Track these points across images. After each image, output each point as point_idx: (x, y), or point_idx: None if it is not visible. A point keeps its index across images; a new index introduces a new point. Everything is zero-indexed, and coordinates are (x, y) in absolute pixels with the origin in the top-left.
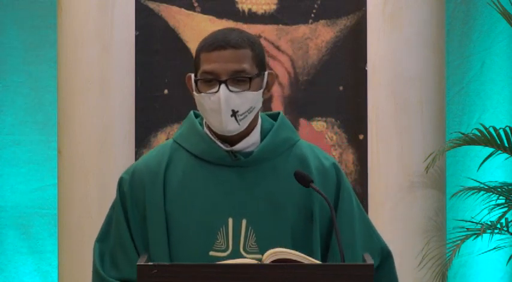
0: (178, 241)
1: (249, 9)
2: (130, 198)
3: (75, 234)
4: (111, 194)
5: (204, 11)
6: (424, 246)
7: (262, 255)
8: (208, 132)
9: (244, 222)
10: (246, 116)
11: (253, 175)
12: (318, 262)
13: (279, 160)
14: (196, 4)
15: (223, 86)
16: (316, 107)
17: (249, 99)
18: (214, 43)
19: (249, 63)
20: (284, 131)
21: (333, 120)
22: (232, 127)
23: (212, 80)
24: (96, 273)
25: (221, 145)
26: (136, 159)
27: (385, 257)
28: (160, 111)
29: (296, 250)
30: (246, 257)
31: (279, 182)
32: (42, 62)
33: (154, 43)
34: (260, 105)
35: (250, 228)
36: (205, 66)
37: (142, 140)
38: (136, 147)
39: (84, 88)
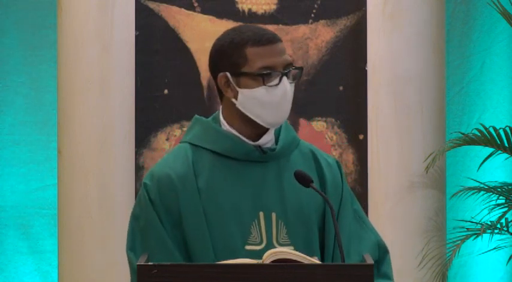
0: (217, 238)
1: (249, 9)
2: (161, 205)
3: (75, 234)
4: (111, 194)
5: (204, 11)
6: (424, 246)
7: (295, 246)
8: (230, 129)
9: (274, 215)
10: None
11: (275, 170)
12: (318, 262)
13: (294, 156)
14: (196, 4)
15: (285, 78)
16: (316, 107)
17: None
18: (262, 37)
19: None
20: (291, 130)
21: (333, 120)
22: (285, 119)
23: (271, 74)
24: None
25: (247, 141)
26: (136, 159)
27: (383, 252)
28: (160, 111)
29: (320, 240)
30: None
31: None
32: (42, 62)
33: (154, 43)
34: None
35: (280, 221)
36: (262, 61)
37: (142, 140)
38: (136, 147)
39: (84, 88)
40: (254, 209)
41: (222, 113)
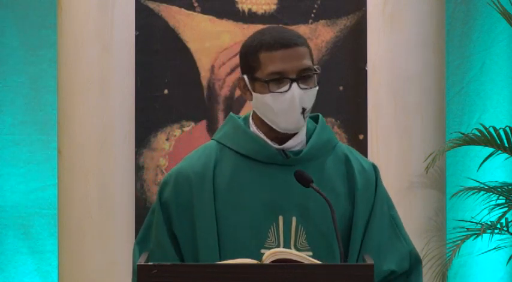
0: (230, 239)
1: (249, 9)
2: (175, 201)
3: (75, 234)
4: (111, 194)
5: (204, 11)
6: (424, 246)
7: (314, 253)
8: (257, 132)
9: (294, 220)
10: (309, 112)
11: None
12: (318, 262)
13: (324, 160)
14: (196, 4)
15: (295, 85)
16: (316, 107)
17: (313, 96)
18: (276, 42)
19: (309, 60)
20: (326, 132)
21: (333, 120)
22: (300, 125)
23: (282, 79)
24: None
25: (271, 143)
26: (136, 159)
27: (414, 262)
28: (160, 111)
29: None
30: None
31: (325, 181)
32: (42, 62)
33: (154, 43)
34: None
35: (300, 226)
36: (272, 67)
37: (142, 140)
38: (136, 147)
39: (84, 88)
40: (274, 213)
41: (252, 114)
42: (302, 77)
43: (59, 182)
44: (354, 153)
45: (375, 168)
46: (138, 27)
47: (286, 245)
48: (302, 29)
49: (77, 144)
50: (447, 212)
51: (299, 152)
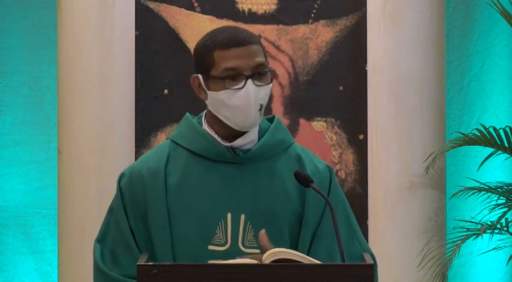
0: (179, 235)
1: (249, 9)
2: (129, 198)
3: (75, 234)
4: (111, 194)
5: (204, 11)
6: (424, 246)
7: (261, 250)
8: (207, 130)
9: (242, 217)
10: (264, 109)
11: (251, 172)
12: (318, 262)
13: (276, 160)
14: (196, 4)
15: (250, 81)
16: (316, 107)
17: (268, 93)
18: (230, 40)
19: (262, 57)
20: (280, 132)
21: (333, 120)
22: (257, 121)
23: (237, 76)
24: (98, 270)
25: (221, 141)
26: (136, 159)
27: None
28: (160, 111)
29: (291, 247)
30: (244, 252)
31: (276, 180)
32: (42, 62)
33: (155, 43)
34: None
35: (248, 223)
36: (226, 64)
37: (142, 140)
38: (136, 147)
39: (84, 88)
40: (222, 210)
41: (206, 113)
42: (256, 74)
43: (59, 182)
44: (308, 154)
45: (329, 169)
46: (138, 27)
47: (234, 242)
48: (302, 29)
49: (77, 144)
50: (447, 212)
51: (249, 150)
